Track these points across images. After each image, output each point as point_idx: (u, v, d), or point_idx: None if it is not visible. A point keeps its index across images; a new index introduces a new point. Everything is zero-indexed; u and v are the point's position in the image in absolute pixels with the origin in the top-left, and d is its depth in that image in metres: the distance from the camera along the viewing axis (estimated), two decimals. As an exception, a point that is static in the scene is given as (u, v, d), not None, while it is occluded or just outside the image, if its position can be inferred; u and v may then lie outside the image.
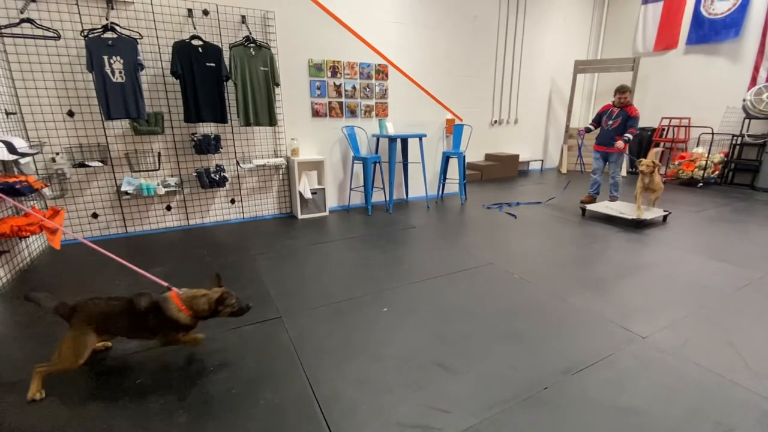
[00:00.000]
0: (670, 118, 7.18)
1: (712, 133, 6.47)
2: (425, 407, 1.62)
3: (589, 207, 4.56)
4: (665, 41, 7.15)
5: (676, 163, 6.60)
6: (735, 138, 6.25)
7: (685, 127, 7.01)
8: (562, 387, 1.74)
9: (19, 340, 2.10)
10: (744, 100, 6.03)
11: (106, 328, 1.72)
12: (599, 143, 4.97)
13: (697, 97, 6.90)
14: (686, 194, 5.77)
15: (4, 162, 2.84)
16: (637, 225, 4.07)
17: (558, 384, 1.76)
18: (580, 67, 7.57)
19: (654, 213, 4.24)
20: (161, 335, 1.79)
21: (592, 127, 5.03)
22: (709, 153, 6.34)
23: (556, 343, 2.08)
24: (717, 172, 6.29)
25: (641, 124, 7.55)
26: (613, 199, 4.99)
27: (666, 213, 4.30)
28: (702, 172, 6.24)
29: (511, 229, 4.12)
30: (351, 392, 1.71)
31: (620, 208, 4.41)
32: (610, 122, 4.84)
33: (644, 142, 7.37)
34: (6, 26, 3.06)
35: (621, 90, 4.74)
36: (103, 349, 1.97)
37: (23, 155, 2.86)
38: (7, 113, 3.06)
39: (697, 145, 6.73)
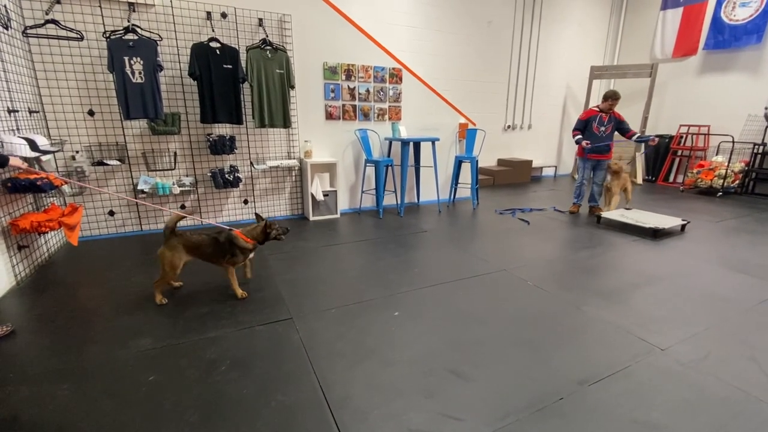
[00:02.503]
0: (689, 126, 7.04)
1: (733, 142, 6.31)
2: (437, 414, 1.59)
3: (605, 215, 4.48)
4: (685, 47, 7.02)
5: (695, 171, 6.45)
6: (756, 147, 6.09)
7: (705, 134, 6.87)
8: (578, 398, 1.70)
9: (37, 334, 2.14)
10: (766, 108, 5.88)
11: (195, 251, 2.51)
12: (592, 151, 4.69)
13: (717, 104, 6.75)
14: (705, 203, 5.63)
15: (26, 159, 2.91)
16: (655, 234, 3.98)
17: (573, 395, 1.71)
18: (596, 72, 7.48)
19: (672, 222, 4.15)
20: (230, 257, 2.55)
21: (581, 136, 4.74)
22: (729, 162, 6.19)
23: (571, 352, 2.03)
24: (737, 182, 6.13)
25: (659, 131, 7.45)
26: (597, 208, 4.82)
27: (684, 222, 4.20)
28: (721, 181, 6.09)
29: (524, 235, 4.07)
30: (362, 396, 1.69)
31: (636, 217, 4.33)
32: (603, 128, 4.62)
33: (662, 149, 7.24)
34: (31, 27, 3.15)
35: (615, 97, 4.54)
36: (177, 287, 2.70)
37: (45, 153, 2.92)
38: (30, 111, 3.14)
39: (717, 154, 6.58)
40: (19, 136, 2.74)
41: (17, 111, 2.91)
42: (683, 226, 4.21)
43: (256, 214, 2.77)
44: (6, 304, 2.46)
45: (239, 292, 2.58)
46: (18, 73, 3.01)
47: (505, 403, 1.66)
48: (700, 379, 1.84)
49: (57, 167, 3.47)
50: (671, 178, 7.34)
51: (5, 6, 2.87)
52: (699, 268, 3.19)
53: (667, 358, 1.99)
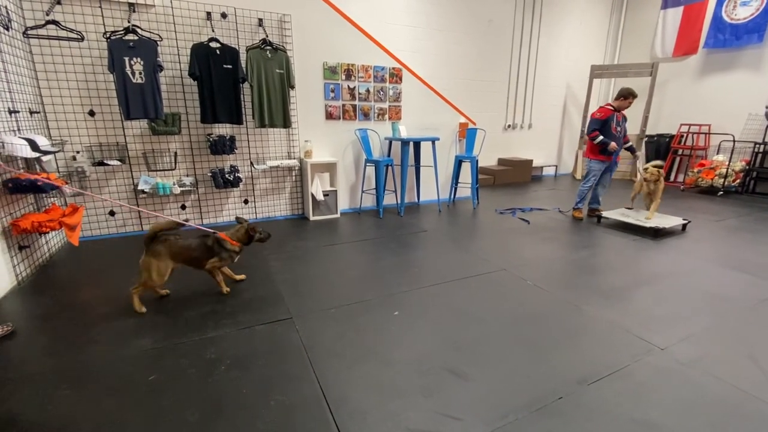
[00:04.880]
0: (690, 125, 7.03)
1: (733, 141, 6.30)
2: (436, 414, 1.60)
3: (605, 214, 4.48)
4: (685, 46, 7.01)
5: (695, 170, 6.45)
6: (757, 146, 6.08)
7: (705, 134, 6.86)
8: (577, 397, 1.70)
9: (37, 334, 2.14)
10: (767, 108, 5.87)
11: (180, 257, 2.43)
12: (610, 153, 4.40)
13: (718, 103, 6.74)
14: (706, 203, 5.62)
15: (27, 159, 2.92)
16: (655, 234, 3.97)
17: (573, 394, 1.72)
18: (597, 72, 7.47)
19: (673, 221, 4.15)
20: (218, 260, 2.52)
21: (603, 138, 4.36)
22: (729, 161, 6.18)
23: (570, 351, 2.04)
24: (738, 181, 6.12)
25: (659, 130, 7.44)
26: (599, 210, 4.65)
27: (685, 222, 4.19)
28: (722, 180, 6.08)
29: (525, 234, 4.07)
30: (361, 396, 1.70)
31: (637, 216, 4.32)
32: (619, 129, 4.43)
33: (662, 149, 7.23)
34: (32, 27, 3.16)
35: (634, 95, 4.33)
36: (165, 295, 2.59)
37: (45, 153, 2.93)
38: (31, 112, 3.15)
39: (718, 153, 6.57)
40: (20, 137, 2.75)
41: (18, 111, 2.92)
42: (684, 226, 4.21)
43: (237, 217, 2.71)
44: (7, 303, 2.47)
45: (236, 276, 2.77)
46: (19, 74, 3.02)
47: (504, 402, 1.67)
48: (699, 378, 1.84)
49: (58, 167, 3.48)
50: (672, 178, 7.33)
51: (6, 7, 2.88)
52: (699, 268, 3.19)
53: (666, 358, 1.99)
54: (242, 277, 2.84)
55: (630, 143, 4.63)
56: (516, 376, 1.83)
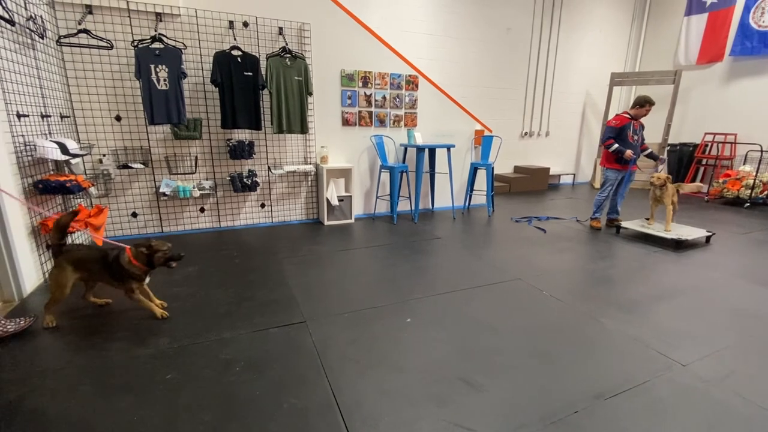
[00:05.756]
0: (714, 134, 6.84)
1: (761, 151, 6.09)
2: (449, 423, 1.58)
3: (624, 224, 4.37)
4: (710, 54, 6.84)
5: (721, 181, 6.25)
6: (787, 156, 5.86)
7: (731, 143, 6.65)
8: (594, 412, 1.66)
9: (61, 330, 2.22)
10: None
11: (81, 268, 2.24)
12: (626, 161, 4.31)
13: (745, 112, 6.53)
14: (731, 214, 5.43)
15: (57, 162, 3.04)
16: (677, 245, 3.86)
17: (589, 409, 1.68)
18: (617, 79, 7.35)
19: (696, 233, 4.02)
20: (121, 283, 2.26)
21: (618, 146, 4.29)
22: (757, 171, 5.97)
23: (587, 365, 1.99)
24: (766, 192, 5.90)
25: (682, 139, 7.26)
26: (617, 220, 4.53)
27: (709, 234, 4.06)
28: (749, 191, 5.87)
29: (541, 244, 4.01)
30: (373, 402, 1.70)
31: (658, 227, 4.20)
32: (636, 137, 4.34)
33: (686, 158, 7.04)
34: (65, 36, 3.31)
35: (651, 102, 4.26)
36: (103, 305, 2.49)
37: (74, 156, 3.05)
38: (62, 116, 3.29)
39: (744, 163, 6.36)
40: (51, 140, 2.87)
41: (50, 116, 3.06)
42: (708, 238, 4.07)
43: (137, 244, 2.29)
44: (34, 299, 2.57)
45: (158, 311, 2.34)
46: (51, 80, 3.16)
47: (518, 414, 1.64)
48: (723, 397, 1.77)
49: (85, 170, 3.62)
50: (695, 188, 7.12)
51: (41, 17, 3.02)
52: (724, 282, 3.08)
53: (688, 375, 1.92)
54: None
55: (649, 149, 4.52)
56: (530, 388, 1.80)
